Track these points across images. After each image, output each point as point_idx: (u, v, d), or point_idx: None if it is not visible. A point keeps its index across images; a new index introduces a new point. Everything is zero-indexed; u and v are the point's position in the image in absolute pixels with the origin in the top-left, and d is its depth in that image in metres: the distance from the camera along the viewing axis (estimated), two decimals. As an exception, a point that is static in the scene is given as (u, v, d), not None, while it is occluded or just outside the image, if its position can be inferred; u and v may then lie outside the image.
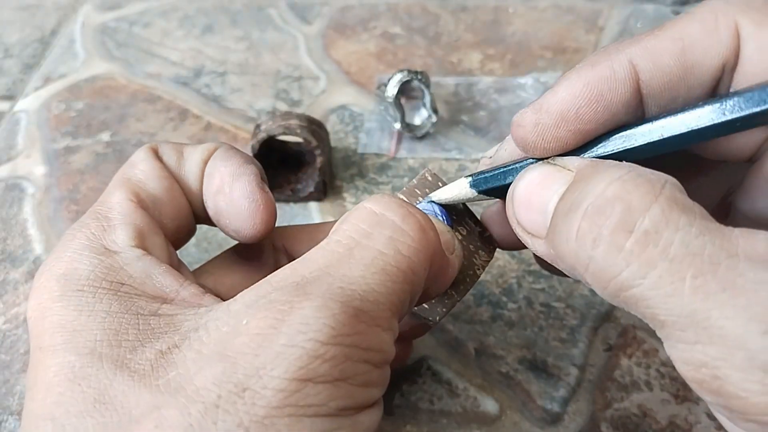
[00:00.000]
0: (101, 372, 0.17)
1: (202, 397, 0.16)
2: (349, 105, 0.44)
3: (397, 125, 0.40)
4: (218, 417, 0.15)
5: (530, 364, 0.29)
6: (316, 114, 0.43)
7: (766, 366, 0.13)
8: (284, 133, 0.35)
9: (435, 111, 0.40)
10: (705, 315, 0.14)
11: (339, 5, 0.53)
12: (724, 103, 0.17)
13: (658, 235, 0.15)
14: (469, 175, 0.23)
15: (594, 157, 0.19)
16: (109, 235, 0.20)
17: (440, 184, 0.24)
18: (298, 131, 0.35)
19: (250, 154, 0.36)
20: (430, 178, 0.24)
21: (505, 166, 0.21)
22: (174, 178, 0.23)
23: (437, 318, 0.23)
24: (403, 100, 0.40)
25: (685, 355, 0.15)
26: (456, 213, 0.24)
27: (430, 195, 0.24)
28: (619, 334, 0.30)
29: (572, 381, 0.29)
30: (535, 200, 0.19)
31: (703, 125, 0.17)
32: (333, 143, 0.40)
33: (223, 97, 0.45)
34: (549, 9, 0.51)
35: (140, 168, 0.23)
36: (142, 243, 0.21)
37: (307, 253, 0.18)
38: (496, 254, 0.25)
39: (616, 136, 0.19)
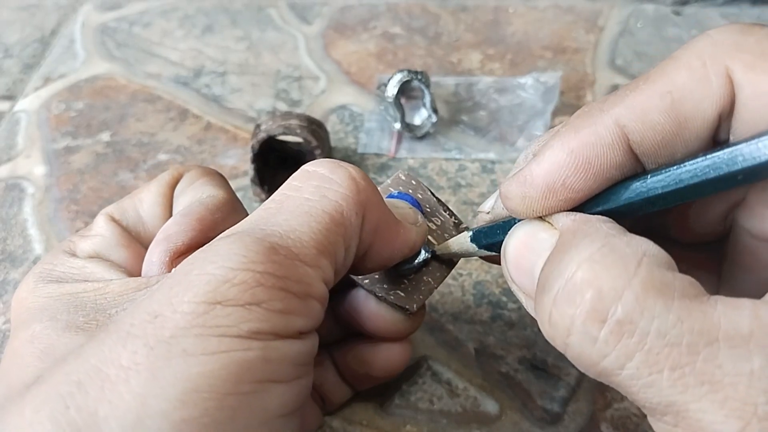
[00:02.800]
0: (54, 332, 0.19)
1: (118, 329, 0.17)
2: (349, 105, 0.44)
3: (397, 125, 0.40)
4: (127, 342, 0.16)
5: (530, 364, 0.29)
6: (316, 114, 0.43)
7: None
8: (284, 133, 0.35)
9: (435, 111, 0.40)
10: (684, 407, 0.14)
11: (339, 5, 0.53)
12: (722, 155, 0.16)
13: (632, 325, 0.14)
14: (470, 230, 0.23)
15: (591, 211, 0.18)
16: (80, 245, 0.24)
17: (413, 182, 0.25)
18: (298, 131, 0.35)
19: (251, 154, 0.36)
20: (404, 178, 0.25)
21: (503, 221, 0.21)
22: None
23: (414, 306, 0.23)
24: (403, 100, 0.40)
25: None
26: (429, 206, 0.25)
27: (435, 248, 0.24)
28: (619, 334, 0.30)
29: (572, 381, 0.29)
30: (522, 263, 0.19)
31: (700, 180, 0.16)
32: (333, 143, 0.40)
33: (223, 97, 0.45)
34: (549, 9, 0.51)
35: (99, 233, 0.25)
36: (107, 252, 0.23)
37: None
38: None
39: (615, 189, 0.18)
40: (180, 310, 0.16)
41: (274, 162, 0.37)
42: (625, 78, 0.45)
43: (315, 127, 0.36)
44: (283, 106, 0.44)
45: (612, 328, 0.15)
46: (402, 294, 0.23)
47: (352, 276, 0.23)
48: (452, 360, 0.30)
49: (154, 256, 0.22)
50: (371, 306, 0.24)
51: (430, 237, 0.24)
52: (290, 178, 0.20)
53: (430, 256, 0.24)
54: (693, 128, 0.17)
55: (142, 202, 0.25)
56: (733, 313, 0.14)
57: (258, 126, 0.36)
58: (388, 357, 0.25)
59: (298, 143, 0.37)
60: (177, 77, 0.47)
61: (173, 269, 0.18)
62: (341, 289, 0.25)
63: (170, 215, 0.24)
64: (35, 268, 0.22)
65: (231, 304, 0.17)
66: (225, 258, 0.17)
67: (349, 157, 0.40)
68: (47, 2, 0.55)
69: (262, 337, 0.17)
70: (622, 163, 0.17)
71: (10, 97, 0.46)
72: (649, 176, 0.17)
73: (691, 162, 0.16)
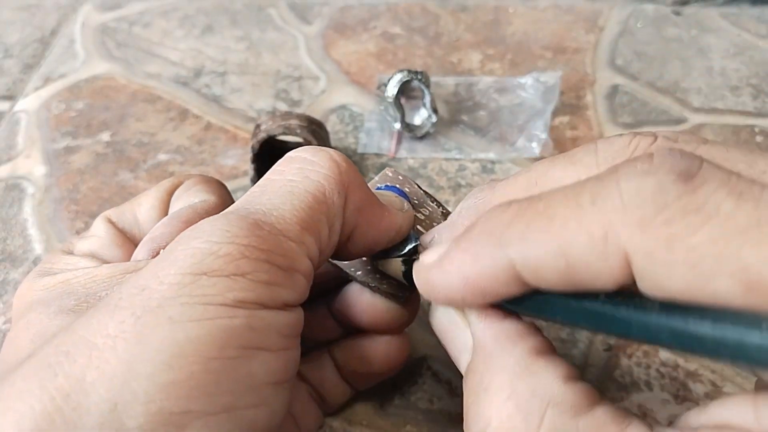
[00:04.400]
0: (46, 317, 0.20)
1: (106, 303, 0.18)
2: (349, 105, 0.44)
3: (397, 125, 0.40)
4: (114, 313, 0.17)
5: (530, 364, 0.29)
6: (316, 114, 0.43)
7: None
8: (284, 133, 0.35)
9: (435, 111, 0.40)
10: None
11: (339, 5, 0.53)
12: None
13: None
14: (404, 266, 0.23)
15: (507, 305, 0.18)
16: (77, 245, 0.25)
17: (400, 177, 0.26)
18: (298, 131, 0.35)
19: (251, 154, 0.36)
20: (390, 174, 0.26)
21: None
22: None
23: (407, 292, 0.24)
24: (403, 100, 0.40)
25: None
26: (417, 198, 0.25)
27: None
28: (619, 334, 0.30)
29: (572, 381, 0.29)
30: (448, 347, 0.20)
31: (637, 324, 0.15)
32: (333, 143, 0.40)
33: (223, 97, 0.45)
34: (549, 9, 0.51)
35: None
36: (101, 251, 0.24)
37: None
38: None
39: (537, 299, 0.17)
40: (167, 282, 0.17)
41: (274, 162, 0.37)
42: (625, 78, 0.45)
43: (315, 127, 0.36)
44: (283, 106, 0.44)
45: None
46: (394, 282, 0.24)
47: (345, 270, 0.24)
48: (452, 360, 0.30)
49: (140, 254, 0.23)
50: (366, 298, 0.24)
51: (419, 227, 0.25)
52: (275, 164, 0.21)
53: (419, 243, 0.24)
54: (589, 288, 0.15)
55: (140, 206, 0.26)
56: None
57: (258, 126, 0.36)
58: (387, 351, 0.25)
59: (298, 143, 0.37)
60: (177, 77, 0.47)
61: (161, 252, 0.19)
62: (336, 287, 0.25)
63: None
64: (36, 267, 0.24)
65: (216, 275, 0.17)
66: (209, 233, 0.18)
67: (349, 156, 0.40)
68: (47, 2, 0.55)
69: (248, 306, 0.18)
70: (522, 292, 0.17)
71: (10, 97, 0.46)
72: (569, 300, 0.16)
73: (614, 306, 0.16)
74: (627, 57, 0.46)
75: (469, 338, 0.19)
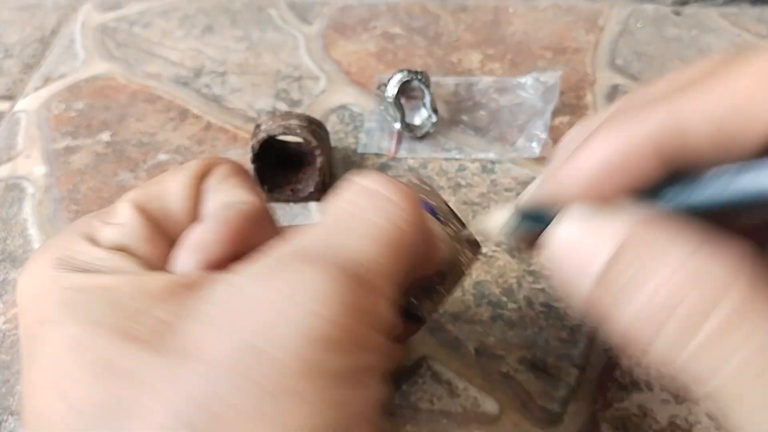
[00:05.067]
0: (103, 340, 0.17)
1: (220, 363, 0.16)
2: (349, 105, 0.44)
3: (397, 125, 0.40)
4: (236, 381, 0.15)
5: (530, 364, 0.29)
6: (316, 114, 0.43)
7: None
8: (284, 133, 0.35)
9: (435, 111, 0.40)
10: None
11: (339, 5, 0.53)
12: None
13: (734, 327, 0.14)
14: (514, 209, 0.21)
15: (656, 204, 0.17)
16: (102, 232, 0.21)
17: (427, 188, 0.25)
18: (298, 131, 0.35)
19: (251, 154, 0.36)
20: (418, 183, 0.25)
21: (548, 208, 0.19)
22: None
23: (428, 313, 0.23)
24: (403, 100, 0.40)
25: None
26: (443, 214, 0.25)
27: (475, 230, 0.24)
28: (619, 334, 0.30)
29: (572, 381, 0.29)
30: (574, 259, 0.17)
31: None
32: (333, 143, 0.40)
33: (223, 97, 0.45)
34: (549, 9, 0.51)
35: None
36: (133, 245, 0.20)
37: (304, 228, 0.19)
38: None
39: (674, 186, 0.16)
40: (287, 350, 0.16)
41: (274, 162, 0.37)
42: (625, 78, 0.45)
43: (315, 127, 0.36)
44: (283, 106, 0.44)
45: (711, 331, 0.14)
46: (415, 302, 0.23)
47: None
48: (452, 360, 0.30)
49: (185, 263, 0.20)
50: None
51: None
52: (347, 191, 0.19)
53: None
54: (739, 146, 0.15)
55: (167, 192, 0.22)
56: None
57: (258, 126, 0.36)
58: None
59: (298, 143, 0.37)
60: (177, 77, 0.47)
61: (256, 284, 0.17)
62: None
63: (197, 212, 0.22)
64: (47, 250, 0.19)
65: (333, 345, 0.16)
66: (325, 297, 0.16)
67: (349, 157, 0.40)
68: (47, 2, 0.55)
69: (359, 376, 0.17)
70: (659, 172, 0.16)
71: (10, 97, 0.46)
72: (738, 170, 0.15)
73: None
74: (627, 57, 0.46)
75: (614, 235, 0.16)
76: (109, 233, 0.20)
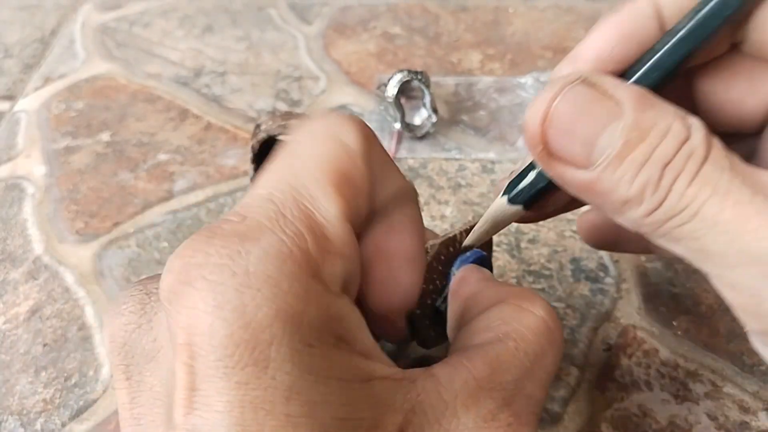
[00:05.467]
0: None
1: None
2: (349, 105, 0.44)
3: (397, 125, 0.40)
4: None
5: (530, 364, 0.29)
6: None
7: None
8: (284, 133, 0.35)
9: (435, 111, 0.40)
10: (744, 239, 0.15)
11: (339, 5, 0.53)
12: None
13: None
14: (504, 193, 0.21)
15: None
16: (327, 264, 0.15)
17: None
18: (298, 131, 0.35)
19: (251, 154, 0.36)
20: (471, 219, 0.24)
21: (533, 167, 0.20)
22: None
23: (434, 345, 0.24)
24: (403, 100, 0.40)
25: (728, 279, 0.16)
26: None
27: (466, 240, 0.24)
28: (619, 334, 0.30)
29: (572, 381, 0.29)
30: (579, 130, 0.17)
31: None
32: (333, 143, 0.40)
33: (223, 97, 0.45)
34: (549, 9, 0.51)
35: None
36: (351, 281, 0.16)
37: (496, 351, 0.18)
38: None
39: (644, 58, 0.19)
40: None
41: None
42: (625, 78, 0.45)
43: (315, 127, 0.36)
44: (283, 106, 0.44)
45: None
46: (443, 306, 0.23)
47: None
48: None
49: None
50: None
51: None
52: (534, 327, 0.19)
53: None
54: None
55: (361, 191, 0.17)
56: None
57: (258, 126, 0.36)
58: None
59: (298, 143, 0.37)
60: (177, 77, 0.47)
61: (468, 415, 0.17)
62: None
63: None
64: (277, 300, 0.14)
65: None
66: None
67: (349, 157, 0.40)
68: (47, 2, 0.55)
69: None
70: (657, 36, 0.18)
71: (10, 97, 0.46)
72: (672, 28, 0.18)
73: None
74: (627, 57, 0.46)
75: (614, 107, 0.17)
76: (335, 267, 0.15)
